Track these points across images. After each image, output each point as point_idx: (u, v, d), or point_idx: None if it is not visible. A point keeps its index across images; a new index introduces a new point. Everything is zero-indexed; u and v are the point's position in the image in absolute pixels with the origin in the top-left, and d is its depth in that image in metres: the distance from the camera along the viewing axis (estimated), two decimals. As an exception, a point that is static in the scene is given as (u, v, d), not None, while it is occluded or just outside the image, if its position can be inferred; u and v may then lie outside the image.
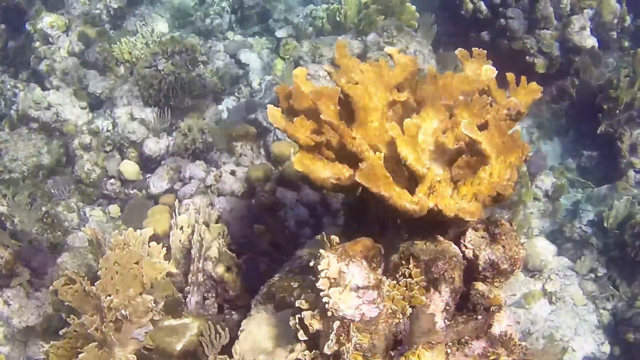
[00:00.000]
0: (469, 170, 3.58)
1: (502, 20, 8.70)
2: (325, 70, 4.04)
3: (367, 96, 3.77)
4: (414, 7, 9.05)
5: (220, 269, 5.11)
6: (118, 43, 8.82)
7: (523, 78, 4.26)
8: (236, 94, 8.91)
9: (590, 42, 8.78)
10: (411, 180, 3.46)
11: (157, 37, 9.58)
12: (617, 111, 8.29)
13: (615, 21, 9.11)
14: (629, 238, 7.41)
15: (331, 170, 3.63)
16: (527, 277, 7.39)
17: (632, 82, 8.23)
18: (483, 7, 8.92)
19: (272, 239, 5.64)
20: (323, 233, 3.35)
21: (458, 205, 3.36)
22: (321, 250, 3.25)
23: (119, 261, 4.31)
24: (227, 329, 4.35)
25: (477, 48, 4.41)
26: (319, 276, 3.17)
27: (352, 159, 3.63)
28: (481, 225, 3.59)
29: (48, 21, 9.00)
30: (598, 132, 8.45)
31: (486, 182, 3.47)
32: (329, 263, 3.18)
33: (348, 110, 3.79)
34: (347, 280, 3.15)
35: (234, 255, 5.12)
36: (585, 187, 8.56)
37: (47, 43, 9.01)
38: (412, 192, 3.42)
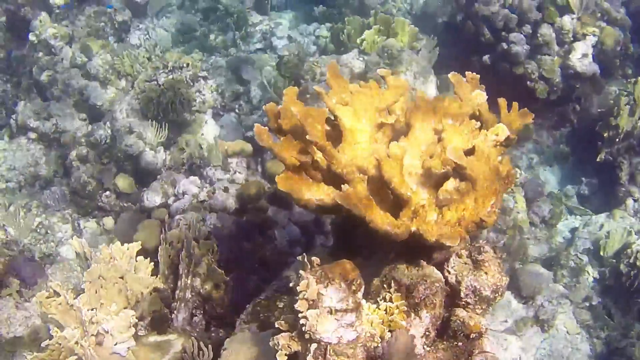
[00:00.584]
0: (458, 195, 3.56)
1: (504, 44, 8.70)
2: (316, 91, 4.03)
3: (355, 117, 3.76)
4: (416, 29, 9.06)
5: (209, 286, 5.09)
6: (120, 56, 8.83)
7: (515, 103, 4.25)
8: (236, 110, 8.91)
9: (592, 69, 8.75)
10: (396, 204, 3.44)
11: (160, 52, 9.62)
12: (617, 139, 8.26)
13: (618, 49, 9.07)
14: (624, 267, 7.37)
15: (315, 191, 3.61)
16: (519, 304, 7.35)
17: (632, 110, 8.21)
18: (486, 31, 8.93)
19: (262, 257, 5.62)
20: (304, 254, 3.32)
21: (440, 230, 3.33)
22: (301, 272, 3.23)
23: (104, 275, 4.30)
24: (210, 346, 4.32)
25: (470, 72, 4.40)
26: (297, 297, 3.15)
27: (338, 180, 3.62)
28: (465, 252, 3.56)
29: (51, 32, 9.03)
30: (597, 159, 8.41)
31: (471, 208, 3.45)
32: (308, 285, 3.15)
33: (337, 131, 3.78)
34: (326, 302, 3.12)
35: (222, 272, 5.10)
36: (583, 214, 8.53)
37: (50, 54, 9.03)
38: (397, 216, 3.40)
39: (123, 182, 7.54)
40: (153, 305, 4.86)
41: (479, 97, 3.99)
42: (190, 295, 5.05)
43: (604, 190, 8.63)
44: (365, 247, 4.04)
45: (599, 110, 8.86)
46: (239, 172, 6.72)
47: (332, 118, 3.81)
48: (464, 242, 3.67)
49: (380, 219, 3.26)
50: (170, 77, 7.90)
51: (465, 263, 3.52)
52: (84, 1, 9.79)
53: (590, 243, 7.97)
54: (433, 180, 3.54)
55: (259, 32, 10.78)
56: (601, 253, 7.70)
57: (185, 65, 8.03)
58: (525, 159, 9.05)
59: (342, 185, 3.29)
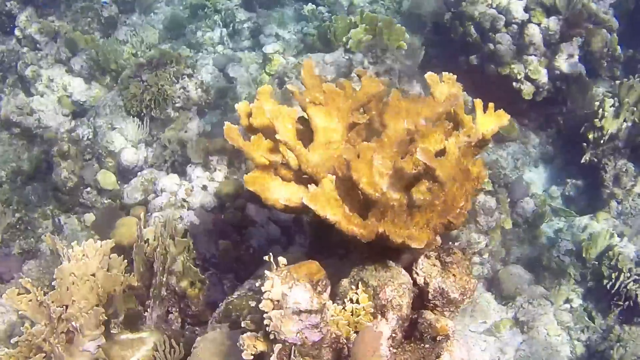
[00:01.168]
0: (428, 197, 3.55)
1: (490, 45, 8.69)
2: (289, 90, 4.01)
3: (327, 117, 3.74)
4: (403, 29, 9.03)
5: (184, 284, 5.08)
6: (105, 52, 8.79)
7: (490, 104, 4.23)
8: (222, 108, 8.88)
9: (578, 70, 8.74)
10: (366, 204, 3.42)
11: (147, 48, 9.59)
12: (602, 141, 8.24)
13: (605, 50, 9.06)
14: (606, 270, 7.36)
15: (284, 191, 3.60)
16: (500, 305, 7.34)
17: (617, 112, 8.20)
18: (472, 31, 8.91)
19: (238, 256, 5.60)
20: (270, 254, 3.30)
21: (407, 231, 3.32)
22: (266, 272, 3.21)
23: (75, 272, 4.27)
24: (181, 344, 4.31)
25: (447, 72, 4.38)
26: (262, 297, 3.13)
27: (309, 180, 3.60)
28: (434, 253, 3.55)
29: (36, 27, 8.98)
30: (582, 161, 8.39)
31: (439, 210, 3.43)
32: (273, 285, 3.13)
33: (309, 130, 3.77)
34: (290, 303, 3.10)
35: (198, 270, 5.08)
36: (567, 215, 8.51)
37: (35, 49, 9.00)
38: (366, 216, 3.39)
39: (104, 178, 7.50)
40: (127, 303, 4.83)
41: (454, 97, 3.95)
42: (165, 293, 5.02)
43: (589, 192, 8.61)
44: (340, 247, 4.03)
45: (585, 111, 8.84)
46: (219, 170, 6.69)
47: (306, 117, 3.80)
48: (434, 244, 3.66)
49: (347, 220, 3.25)
50: (154, 73, 7.86)
51: (434, 265, 3.51)
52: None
53: (573, 245, 7.96)
54: (404, 181, 3.51)
55: (247, 30, 10.74)
56: (584, 255, 7.69)
57: (169, 62, 7.99)
58: (511, 160, 9.02)
59: (309, 186, 3.27)
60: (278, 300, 3.11)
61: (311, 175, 3.56)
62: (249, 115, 3.90)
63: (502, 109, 4.24)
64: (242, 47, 10.50)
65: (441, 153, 3.47)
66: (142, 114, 7.76)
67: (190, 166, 6.92)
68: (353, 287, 3.41)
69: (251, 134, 3.86)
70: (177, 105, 7.98)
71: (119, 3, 10.30)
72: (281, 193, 3.59)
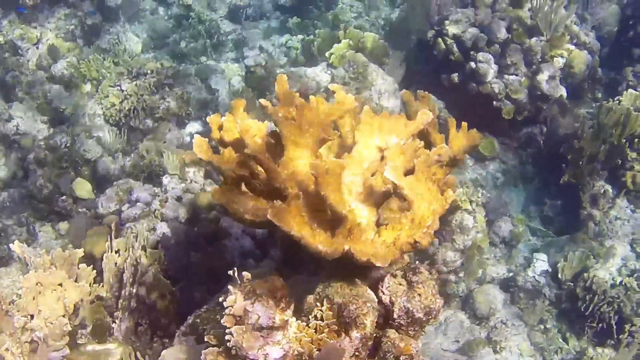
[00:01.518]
0: (396, 215, 3.53)
1: (472, 63, 8.71)
2: (261, 104, 4.00)
3: (297, 132, 3.72)
4: (386, 45, 9.07)
5: (154, 296, 5.03)
6: (86, 60, 8.76)
7: (464, 124, 4.22)
8: (203, 119, 8.85)
9: (559, 91, 8.77)
10: (334, 221, 3.40)
11: (129, 57, 9.57)
12: (581, 162, 8.27)
13: (587, 72, 9.10)
14: (580, 291, 7.36)
15: (252, 205, 3.57)
16: (473, 324, 7.32)
17: (596, 134, 8.23)
18: (455, 49, 8.94)
19: (210, 269, 5.56)
20: (234, 268, 3.27)
21: (372, 250, 3.30)
22: (229, 287, 3.18)
23: (42, 281, 4.23)
24: (148, 357, 4.27)
25: (421, 90, 4.37)
26: (224, 313, 3.11)
27: (278, 195, 3.58)
28: (400, 272, 3.52)
29: (18, 33, 8.95)
30: (561, 182, 8.41)
31: (407, 229, 3.41)
32: (235, 300, 3.11)
33: (281, 145, 3.75)
34: (252, 319, 3.07)
35: (169, 282, 5.04)
36: (545, 236, 8.52)
37: (16, 55, 8.95)
38: (334, 233, 3.37)
39: (80, 187, 7.46)
40: (95, 314, 4.79)
41: (424, 116, 3.94)
42: (135, 305, 4.97)
43: (567, 213, 8.63)
44: (311, 263, 4.01)
45: (565, 132, 8.88)
46: (196, 182, 6.66)
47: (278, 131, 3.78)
48: (401, 263, 3.64)
49: (312, 236, 3.22)
50: (134, 83, 7.84)
51: (400, 284, 3.48)
52: (55, 3, 9.73)
53: (549, 265, 7.97)
54: (373, 199, 3.51)
55: (231, 42, 10.74)
56: (559, 276, 7.70)
57: (149, 71, 7.97)
58: (491, 179, 9.04)
59: (274, 201, 3.25)
60: (240, 316, 3.09)
61: (280, 190, 3.54)
62: (221, 128, 3.88)
63: (475, 129, 4.23)
64: (226, 58, 10.49)
65: (411, 171, 3.47)
66: (121, 124, 7.74)
67: (166, 177, 6.89)
68: (318, 303, 3.38)
69: (223, 147, 3.84)
70: (156, 115, 7.96)
71: (103, 11, 10.26)
72: (248, 207, 3.57)
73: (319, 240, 3.23)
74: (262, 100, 4.00)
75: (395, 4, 11.62)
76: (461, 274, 7.51)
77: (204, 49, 10.45)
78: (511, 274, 7.93)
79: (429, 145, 4.00)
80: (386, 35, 10.46)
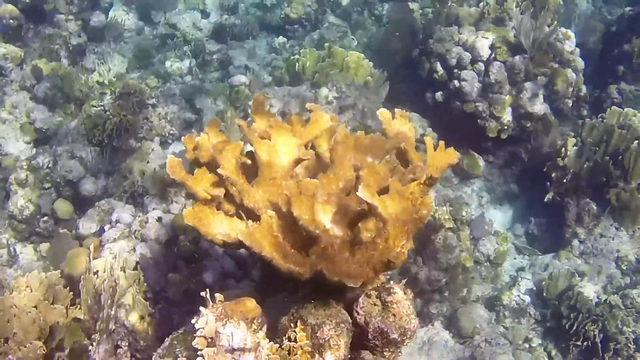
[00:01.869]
0: (371, 234, 3.52)
1: (456, 82, 8.72)
2: (238, 124, 3.98)
3: (273, 152, 3.71)
4: (370, 64, 9.07)
5: (133, 318, 4.99)
6: (70, 80, 8.73)
7: (441, 143, 4.20)
8: (187, 139, 8.81)
9: (542, 109, 8.79)
10: (309, 241, 3.38)
11: (114, 77, 9.55)
12: (565, 180, 8.27)
13: (570, 90, 9.12)
14: (565, 309, 7.34)
15: (224, 226, 3.55)
16: (457, 344, 7.28)
17: (579, 152, 8.24)
18: (439, 67, 8.96)
19: (189, 290, 5.52)
20: (207, 290, 3.24)
21: (345, 270, 3.27)
22: (201, 308, 3.15)
23: (17, 304, 4.19)
24: (123, 380, 4.22)
25: (400, 109, 4.36)
26: (195, 335, 3.08)
27: (252, 215, 3.56)
28: (375, 292, 3.50)
29: (2, 52, 8.92)
30: (545, 200, 8.41)
31: (381, 248, 3.39)
32: (207, 322, 3.08)
33: (256, 165, 3.73)
34: (223, 341, 3.04)
35: (148, 304, 5.01)
36: (531, 254, 8.51)
37: (0, 74, 8.92)
38: (308, 253, 3.34)
39: (62, 207, 7.41)
40: (74, 336, 4.75)
41: (401, 135, 3.93)
42: (114, 327, 4.92)
43: (552, 231, 8.62)
44: (290, 281, 3.97)
45: (548, 150, 8.89)
46: (176, 202, 6.62)
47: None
48: (377, 283, 3.62)
49: (283, 257, 3.20)
50: (117, 103, 7.81)
51: (375, 304, 3.46)
52: (40, 23, 9.73)
53: (534, 284, 7.95)
54: (348, 219, 3.48)
55: (217, 61, 10.73)
56: (544, 294, 7.68)
57: (133, 91, 7.95)
58: (475, 197, 9.03)
59: (247, 222, 3.23)
60: (212, 338, 3.06)
61: (253, 210, 3.52)
62: (195, 147, 3.87)
63: (452, 147, 4.21)
64: (211, 78, 10.48)
65: (386, 190, 3.45)
66: (104, 144, 7.69)
67: (147, 197, 6.86)
68: (292, 324, 3.35)
69: (197, 167, 3.82)
70: (139, 135, 7.93)
71: (88, 31, 10.25)
72: (220, 228, 3.54)
73: (291, 261, 3.21)
74: (238, 120, 3.99)
75: (380, 23, 11.64)
76: (445, 293, 7.47)
77: (189, 68, 10.44)
78: (496, 293, 7.89)
79: (407, 164, 3.99)
80: (371, 54, 10.47)
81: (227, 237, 3.50)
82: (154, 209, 6.61)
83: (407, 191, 3.67)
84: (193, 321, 3.27)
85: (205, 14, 11.72)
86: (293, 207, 3.23)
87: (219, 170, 3.43)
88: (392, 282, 3.62)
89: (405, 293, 3.52)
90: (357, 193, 3.26)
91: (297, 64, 9.46)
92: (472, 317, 7.37)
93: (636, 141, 8.05)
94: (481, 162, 9.17)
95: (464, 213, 7.83)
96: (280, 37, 11.14)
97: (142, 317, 4.99)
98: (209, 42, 11.12)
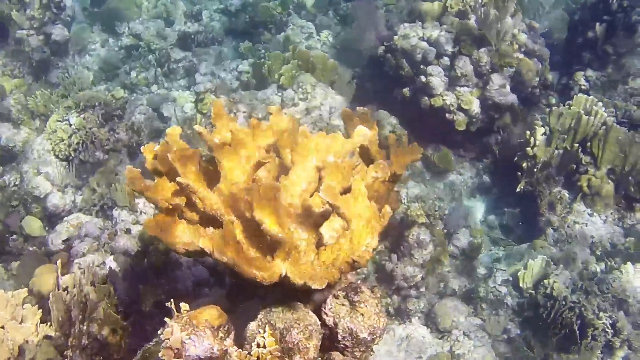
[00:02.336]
0: (336, 235, 3.49)
1: (422, 77, 8.72)
2: (196, 130, 3.94)
3: (234, 157, 3.66)
4: (336, 64, 9.06)
5: (106, 332, 4.92)
6: (34, 96, 8.65)
7: (404, 139, 4.18)
8: (156, 148, 8.74)
9: (510, 99, 8.81)
10: (273, 244, 3.34)
11: (79, 90, 9.47)
12: (535, 169, 8.29)
13: (537, 79, 9.15)
14: (541, 298, 7.35)
15: (186, 235, 3.50)
16: (435, 339, 7.27)
17: (548, 140, 8.26)
18: (405, 64, 8.95)
19: (159, 301, 5.47)
20: (172, 300, 3.19)
21: (310, 272, 3.24)
22: (166, 319, 3.11)
23: (-17, 325, 4.13)
24: (96, 396, 4.17)
25: (361, 107, 4.32)
26: (161, 346, 3.03)
27: (215, 223, 3.52)
28: (342, 293, 3.47)
29: (-37, 72, 8.84)
30: (517, 190, 8.42)
31: (346, 249, 3.36)
32: (172, 332, 3.03)
33: (218, 171, 3.69)
34: (190, 351, 3.00)
35: (119, 317, 4.94)
36: (506, 245, 8.52)
37: (-38, 94, 8.85)
38: (274, 257, 3.31)
39: (30, 225, 7.33)
40: (45, 354, 4.69)
41: (361, 133, 3.90)
42: (87, 342, 4.86)
43: (526, 221, 8.64)
44: (261, 287, 3.93)
45: (518, 140, 8.92)
46: (145, 213, 6.57)
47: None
48: (344, 283, 3.59)
49: (246, 263, 3.16)
50: (82, 116, 7.74)
51: (342, 305, 3.43)
52: (2, 39, 9.64)
53: (510, 274, 7.95)
54: (312, 220, 3.45)
55: (182, 69, 10.68)
56: (520, 284, 7.68)
57: (98, 104, 7.88)
58: (449, 191, 9.04)
59: (207, 229, 3.19)
60: (178, 349, 3.01)
61: (215, 217, 3.48)
62: (155, 156, 3.81)
63: (415, 143, 4.18)
64: (177, 86, 10.43)
65: (349, 190, 3.42)
66: (71, 158, 7.62)
67: (116, 209, 6.80)
68: (260, 330, 3.31)
69: (157, 176, 3.77)
70: (106, 147, 7.86)
71: (51, 45, 10.15)
72: (183, 237, 3.49)
73: (254, 266, 3.17)
74: (197, 126, 3.95)
75: (345, 22, 11.63)
76: (422, 289, 7.47)
77: (154, 77, 10.38)
78: (472, 286, 7.88)
79: (370, 162, 3.96)
80: (337, 54, 10.47)
81: (189, 246, 3.45)
82: (122, 220, 6.55)
83: (370, 189, 3.64)
84: (159, 332, 3.23)
85: (169, 23, 11.65)
86: (255, 211, 3.19)
87: (178, 179, 3.38)
88: (359, 281, 3.59)
89: (372, 292, 3.49)
90: (319, 194, 3.22)
91: (263, 68, 9.44)
92: (449, 312, 7.35)
93: (603, 127, 8.09)
94: (452, 156, 9.18)
95: (437, 208, 7.82)
96: (246, 41, 11.09)
97: (114, 331, 4.92)
98: (174, 50, 11.06)
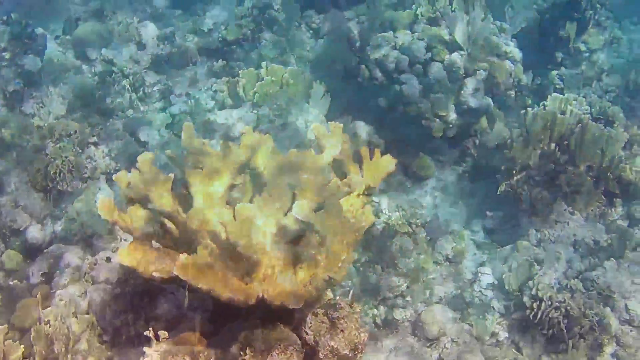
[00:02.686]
0: (312, 252, 3.48)
1: (396, 86, 8.73)
2: (167, 155, 3.94)
3: (207, 180, 3.66)
4: (308, 76, 9.06)
5: (91, 362, 4.90)
6: (7, 128, 8.59)
7: (377, 151, 4.19)
8: (135, 173, 8.69)
9: (485, 103, 8.82)
10: (250, 266, 3.33)
11: (55, 119, 9.41)
12: (514, 171, 8.31)
13: (511, 81, 9.18)
14: (528, 300, 7.35)
15: (161, 262, 3.48)
16: (424, 347, 7.24)
17: (525, 141, 8.28)
18: (378, 73, 8.96)
19: (143, 328, 5.41)
20: (150, 328, 3.18)
21: (286, 292, 3.23)
22: (145, 349, 3.09)
23: (-36, 365, 4.09)
24: None
25: (334, 122, 4.33)
26: (141, 376, 3.02)
27: (190, 248, 3.51)
28: (321, 310, 3.46)
29: (-63, 106, 8.78)
30: (498, 193, 8.44)
31: (322, 266, 3.36)
32: (151, 362, 3.02)
33: (191, 195, 3.68)
34: (169, 380, 2.98)
35: (103, 347, 4.91)
36: (490, 248, 8.51)
37: None
38: (251, 279, 3.30)
39: (10, 259, 7.26)
40: (31, 389, 4.65)
41: (334, 148, 3.91)
42: (73, 374, 4.83)
43: (509, 223, 8.65)
44: (242, 308, 3.92)
45: (496, 143, 8.95)
46: (126, 240, 6.53)
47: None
48: (322, 300, 3.59)
49: (222, 287, 3.15)
50: (58, 145, 7.70)
51: (322, 322, 3.42)
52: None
53: (495, 277, 7.96)
54: (288, 238, 3.44)
55: (158, 92, 10.64)
56: (506, 287, 7.69)
57: (72, 132, 7.84)
58: (430, 198, 9.04)
59: (181, 255, 3.17)
60: (157, 378, 3.00)
61: (190, 242, 3.46)
62: (127, 185, 3.80)
63: (388, 155, 4.20)
64: (154, 109, 10.38)
65: (323, 206, 3.42)
66: (48, 188, 7.57)
67: (96, 238, 6.75)
68: (241, 352, 3.30)
69: (131, 204, 3.75)
70: (85, 175, 7.82)
71: (24, 76, 10.09)
72: (157, 264, 3.48)
73: (230, 290, 3.16)
74: (168, 152, 3.94)
75: (318, 35, 11.62)
76: (408, 298, 7.46)
77: (130, 102, 10.33)
78: (458, 291, 7.87)
79: (344, 176, 3.96)
80: (312, 67, 10.47)
81: (164, 273, 3.43)
82: (103, 249, 6.51)
83: (345, 204, 3.64)
84: (139, 361, 3.21)
85: (141, 46, 11.60)
86: (229, 234, 3.18)
87: (150, 205, 3.37)
88: (337, 297, 3.59)
89: (351, 307, 3.48)
90: (293, 212, 3.22)
91: (237, 86, 9.42)
92: (436, 319, 7.33)
93: (579, 125, 8.12)
94: (432, 163, 9.19)
95: (418, 216, 7.83)
96: (220, 60, 11.06)
97: (99, 361, 4.90)
98: (148, 73, 11.01)
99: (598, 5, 10.60)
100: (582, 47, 10.69)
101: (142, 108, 10.34)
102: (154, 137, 9.30)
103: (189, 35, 12.02)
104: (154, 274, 3.43)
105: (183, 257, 3.11)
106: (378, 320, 7.33)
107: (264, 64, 9.41)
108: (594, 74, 10.76)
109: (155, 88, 10.69)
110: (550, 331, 7.11)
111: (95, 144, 8.11)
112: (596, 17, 10.40)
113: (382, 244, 7.29)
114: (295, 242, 3.46)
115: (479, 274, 8.02)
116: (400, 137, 8.90)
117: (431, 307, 7.50)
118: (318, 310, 3.47)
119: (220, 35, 11.49)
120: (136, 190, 3.72)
